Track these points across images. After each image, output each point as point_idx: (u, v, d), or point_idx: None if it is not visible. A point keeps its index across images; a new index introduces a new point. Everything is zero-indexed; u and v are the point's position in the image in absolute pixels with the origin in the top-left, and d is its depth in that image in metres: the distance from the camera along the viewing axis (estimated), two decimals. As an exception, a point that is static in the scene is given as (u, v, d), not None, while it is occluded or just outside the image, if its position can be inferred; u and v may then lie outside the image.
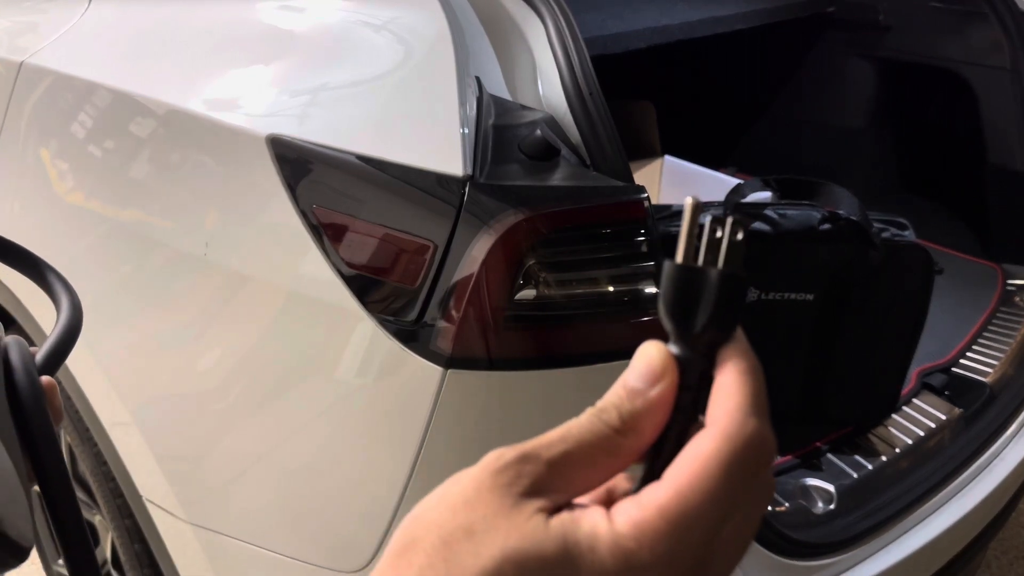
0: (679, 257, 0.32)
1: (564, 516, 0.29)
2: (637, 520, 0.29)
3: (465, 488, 0.30)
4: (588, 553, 0.28)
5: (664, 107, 2.17)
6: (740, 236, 0.32)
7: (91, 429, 1.23)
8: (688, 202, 0.33)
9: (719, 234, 0.32)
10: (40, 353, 0.40)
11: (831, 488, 1.21)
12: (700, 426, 0.31)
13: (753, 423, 0.31)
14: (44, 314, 1.26)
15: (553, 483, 0.30)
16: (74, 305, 0.44)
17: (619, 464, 0.31)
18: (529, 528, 0.29)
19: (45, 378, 0.39)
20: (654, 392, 0.31)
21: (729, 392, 0.31)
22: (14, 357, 0.38)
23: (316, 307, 0.93)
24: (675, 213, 1.30)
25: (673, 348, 0.32)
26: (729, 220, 0.32)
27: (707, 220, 0.32)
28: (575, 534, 0.29)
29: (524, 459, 0.30)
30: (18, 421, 0.36)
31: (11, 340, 0.39)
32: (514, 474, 0.30)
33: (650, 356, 0.32)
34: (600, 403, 0.32)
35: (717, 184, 1.72)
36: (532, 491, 0.30)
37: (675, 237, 0.33)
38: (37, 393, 0.37)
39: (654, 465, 0.31)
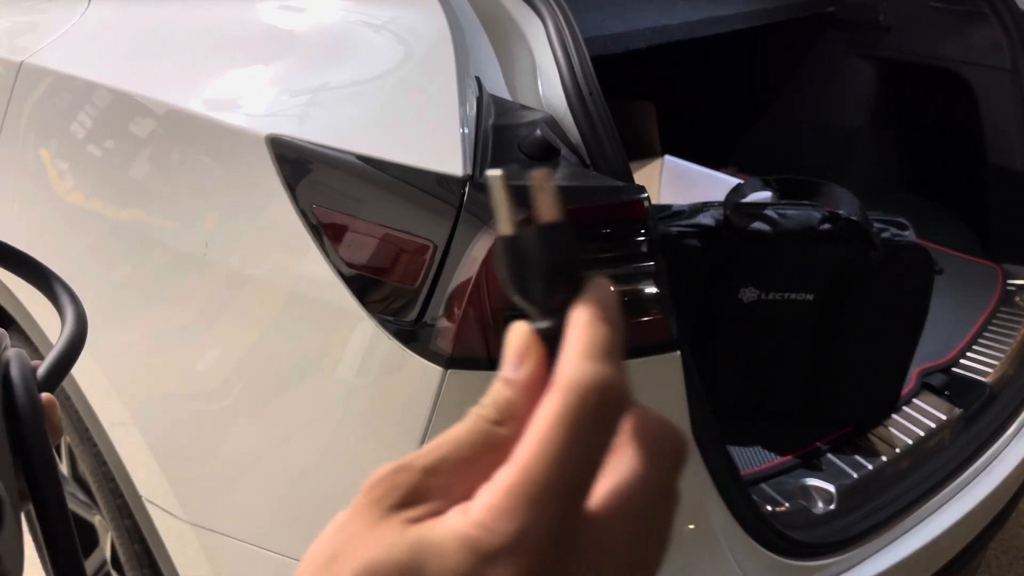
0: (499, 229, 0.30)
1: (427, 521, 0.28)
2: (487, 504, 0.27)
3: (344, 512, 0.29)
4: (437, 551, 0.27)
5: (664, 107, 2.17)
6: (548, 184, 0.30)
7: (91, 429, 1.23)
8: (494, 174, 0.31)
9: (531, 193, 0.30)
10: (42, 367, 0.40)
11: (831, 488, 1.21)
12: None
13: (589, 368, 0.28)
14: (43, 314, 1.26)
15: (430, 490, 0.28)
16: (79, 317, 0.43)
17: (499, 456, 0.28)
18: (387, 539, 0.27)
19: (45, 395, 0.38)
20: (522, 374, 0.29)
21: (569, 344, 0.29)
22: (15, 372, 0.37)
23: (316, 307, 0.93)
24: (676, 213, 1.30)
25: (536, 324, 0.30)
26: (533, 172, 0.30)
27: (497, 176, 0.31)
28: (429, 535, 0.27)
29: (397, 470, 0.28)
30: (15, 440, 0.36)
31: (13, 354, 0.38)
32: (387, 486, 0.28)
33: (512, 338, 0.30)
34: (481, 400, 0.30)
35: (717, 184, 1.72)
36: (405, 502, 0.28)
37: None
38: (36, 411, 0.36)
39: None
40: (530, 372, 0.29)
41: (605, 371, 0.28)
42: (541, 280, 0.30)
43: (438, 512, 0.28)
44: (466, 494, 0.28)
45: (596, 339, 0.28)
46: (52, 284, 0.44)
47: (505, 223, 0.30)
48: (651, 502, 0.29)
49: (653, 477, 0.29)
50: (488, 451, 0.29)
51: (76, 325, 0.42)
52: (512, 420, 0.29)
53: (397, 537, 0.27)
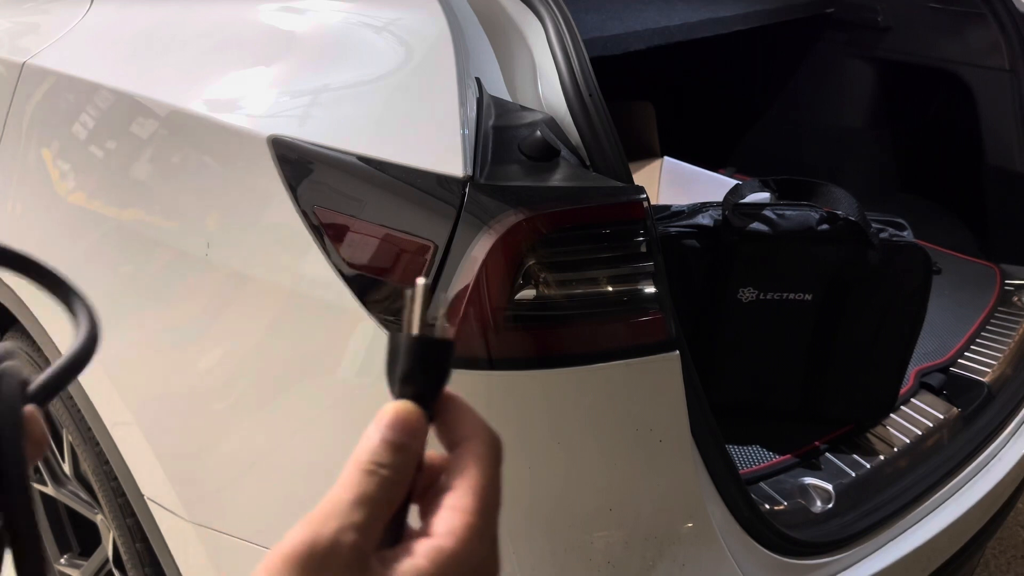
0: (404, 328, 0.39)
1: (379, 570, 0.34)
2: (465, 531, 0.35)
3: None
4: None
5: (663, 108, 2.17)
6: (420, 299, 0.39)
7: (93, 428, 1.23)
8: (420, 282, 0.40)
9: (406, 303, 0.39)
10: (37, 380, 0.39)
11: (829, 487, 1.21)
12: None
13: (493, 433, 0.39)
14: (45, 314, 1.26)
15: (366, 546, 0.34)
16: (89, 335, 0.43)
17: (393, 511, 0.36)
18: None
19: (29, 408, 0.38)
20: (416, 442, 0.37)
21: (469, 422, 0.39)
22: (3, 387, 0.37)
23: (317, 307, 0.94)
24: (675, 213, 1.30)
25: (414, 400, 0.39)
26: (414, 286, 0.39)
27: (421, 284, 0.40)
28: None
29: (334, 548, 0.33)
30: None
31: (6, 368, 0.38)
32: (336, 563, 0.33)
33: (401, 412, 0.38)
34: (368, 457, 0.36)
35: (716, 185, 1.72)
36: (358, 563, 0.33)
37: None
38: (16, 426, 0.36)
39: (401, 512, 0.37)
40: (419, 442, 0.37)
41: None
42: (396, 379, 0.39)
43: (381, 562, 0.34)
44: (377, 542, 0.35)
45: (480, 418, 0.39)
46: (70, 297, 0.45)
47: (410, 325, 0.39)
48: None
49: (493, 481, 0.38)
50: (389, 504, 0.36)
51: (84, 342, 0.42)
52: (406, 481, 0.37)
53: None
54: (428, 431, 0.38)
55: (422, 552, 0.35)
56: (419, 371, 0.38)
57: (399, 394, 0.39)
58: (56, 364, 0.41)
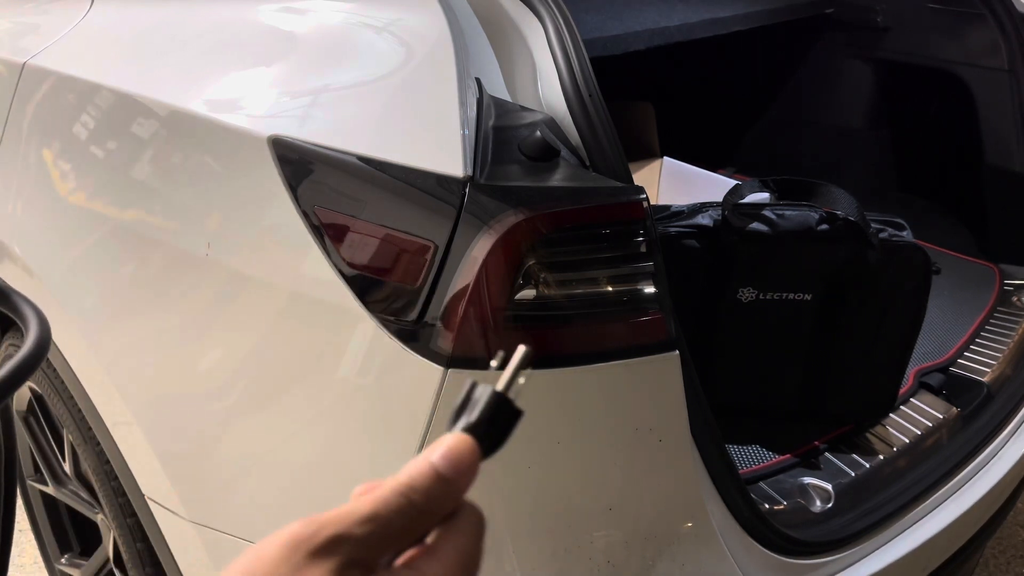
0: (498, 385, 0.39)
1: None
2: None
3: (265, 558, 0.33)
4: None
5: (663, 108, 2.18)
6: (521, 368, 0.40)
7: (93, 428, 1.23)
8: (525, 349, 0.40)
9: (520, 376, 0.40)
10: None
11: (829, 487, 1.21)
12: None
13: (479, 511, 0.38)
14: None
15: (361, 560, 0.34)
16: (40, 339, 0.43)
17: (414, 539, 0.36)
18: None
19: None
20: (459, 477, 0.36)
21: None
22: None
23: (317, 307, 0.94)
24: (675, 213, 1.30)
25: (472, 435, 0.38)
26: (518, 356, 0.40)
27: (525, 352, 0.40)
28: None
29: (338, 540, 0.33)
30: None
31: None
32: (331, 550, 0.33)
33: (461, 448, 0.37)
34: (407, 480, 0.35)
35: (715, 185, 1.72)
36: (345, 566, 0.33)
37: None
38: None
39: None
40: (467, 483, 0.36)
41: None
42: (462, 424, 0.38)
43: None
44: (380, 561, 0.35)
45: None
46: (14, 301, 0.44)
47: (503, 384, 0.39)
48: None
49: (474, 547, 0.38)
50: (409, 533, 0.35)
51: (30, 351, 0.42)
52: (437, 515, 0.36)
53: None
54: (476, 475, 0.37)
55: None
56: (486, 425, 0.38)
57: None
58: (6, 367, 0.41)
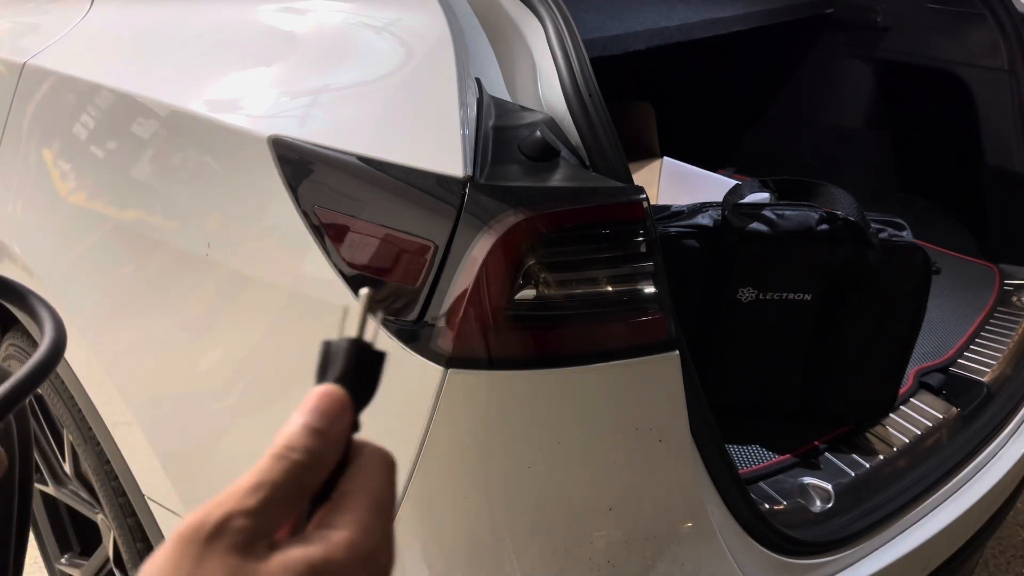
0: (344, 332, 0.39)
1: (273, 554, 0.34)
2: (354, 531, 0.35)
3: (166, 554, 0.33)
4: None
5: (663, 108, 2.18)
6: (363, 308, 0.39)
7: (94, 428, 1.23)
8: (364, 292, 0.40)
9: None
10: None
11: (829, 487, 1.21)
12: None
13: (385, 451, 0.39)
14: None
15: (259, 530, 0.34)
16: (53, 344, 0.43)
17: (308, 496, 0.36)
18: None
19: None
20: (334, 429, 0.37)
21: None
22: None
23: (318, 307, 0.94)
24: (674, 213, 1.30)
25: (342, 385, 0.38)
26: (362, 296, 0.39)
27: (365, 293, 0.40)
28: (290, 563, 0.34)
29: (231, 515, 0.33)
30: None
31: None
32: (224, 530, 0.33)
33: (326, 398, 0.37)
34: (283, 442, 0.36)
35: (715, 185, 1.72)
36: (244, 543, 0.33)
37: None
38: None
39: (319, 495, 0.37)
40: (343, 429, 0.37)
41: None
42: (333, 374, 0.38)
43: (271, 547, 0.34)
44: (281, 525, 0.35)
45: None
46: (32, 304, 0.44)
47: (352, 329, 0.39)
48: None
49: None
50: (300, 492, 0.35)
51: (45, 355, 0.42)
52: (322, 467, 0.36)
53: (251, 570, 0.33)
54: (351, 421, 0.38)
55: (316, 538, 0.35)
56: (354, 373, 0.38)
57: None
58: (17, 374, 0.41)
